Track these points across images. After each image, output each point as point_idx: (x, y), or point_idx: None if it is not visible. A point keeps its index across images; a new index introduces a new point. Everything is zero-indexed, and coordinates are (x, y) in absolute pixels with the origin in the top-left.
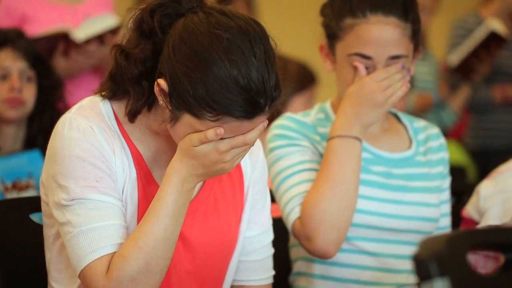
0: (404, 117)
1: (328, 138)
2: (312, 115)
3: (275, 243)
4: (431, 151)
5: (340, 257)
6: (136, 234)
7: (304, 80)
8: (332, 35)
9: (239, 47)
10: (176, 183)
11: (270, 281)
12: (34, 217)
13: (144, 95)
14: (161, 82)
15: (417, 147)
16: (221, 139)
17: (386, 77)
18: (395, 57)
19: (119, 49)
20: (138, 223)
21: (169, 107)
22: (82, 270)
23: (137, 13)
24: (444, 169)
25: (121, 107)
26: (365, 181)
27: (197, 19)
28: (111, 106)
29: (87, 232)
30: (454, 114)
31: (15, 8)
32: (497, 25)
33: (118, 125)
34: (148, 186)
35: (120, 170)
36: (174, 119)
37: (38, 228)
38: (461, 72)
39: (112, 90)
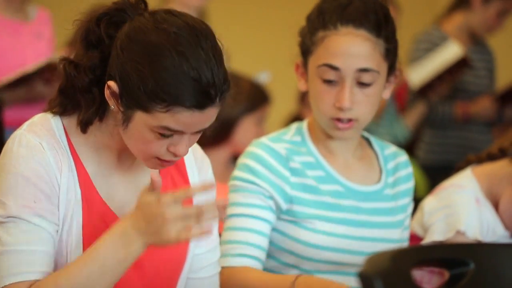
0: (376, 143)
1: None
2: (288, 137)
3: None
4: (399, 182)
5: None
6: (61, 272)
7: (256, 99)
8: (306, 50)
9: (186, 40)
10: (115, 233)
11: None
12: None
13: (95, 103)
14: (111, 83)
15: (386, 179)
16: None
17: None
18: (364, 70)
19: (67, 61)
20: (83, 242)
21: (121, 109)
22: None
23: (83, 25)
24: (409, 199)
25: (71, 122)
26: (333, 218)
27: (143, 18)
28: (62, 122)
29: (12, 253)
30: (407, 130)
31: None
32: (460, 49)
33: (68, 142)
34: (93, 206)
35: (65, 189)
36: (127, 121)
37: None
38: (422, 94)
39: (63, 105)
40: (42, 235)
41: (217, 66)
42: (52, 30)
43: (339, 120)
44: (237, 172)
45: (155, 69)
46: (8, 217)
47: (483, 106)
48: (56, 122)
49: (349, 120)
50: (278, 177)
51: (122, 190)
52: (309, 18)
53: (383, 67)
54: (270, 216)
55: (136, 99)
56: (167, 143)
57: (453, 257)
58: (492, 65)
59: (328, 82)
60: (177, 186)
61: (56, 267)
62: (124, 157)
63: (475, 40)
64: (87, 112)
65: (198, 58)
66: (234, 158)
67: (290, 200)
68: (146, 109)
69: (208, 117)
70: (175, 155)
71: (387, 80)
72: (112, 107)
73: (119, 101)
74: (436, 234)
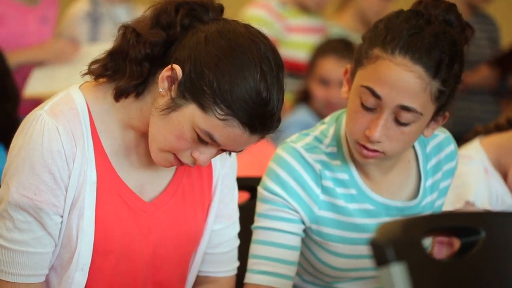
0: (417, 140)
1: None
2: (324, 146)
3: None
4: (441, 180)
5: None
6: None
7: None
8: (358, 60)
9: (271, 64)
10: None
11: (235, 272)
12: None
13: (140, 77)
14: (177, 67)
15: (424, 185)
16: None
17: None
18: (405, 108)
19: (130, 28)
20: (95, 224)
21: (173, 95)
22: None
23: (161, 4)
24: (445, 195)
25: (97, 95)
26: (357, 240)
27: (235, 22)
28: (85, 100)
29: (8, 251)
30: None
31: None
32: None
33: (90, 120)
34: (110, 186)
35: (77, 174)
36: (172, 108)
37: None
38: None
39: (105, 68)
40: (38, 234)
41: (281, 102)
42: (57, 11)
43: (364, 147)
44: (266, 180)
45: (235, 74)
46: (8, 202)
47: (482, 76)
48: (79, 99)
49: (375, 151)
50: (308, 195)
51: (139, 171)
52: (376, 25)
53: (429, 109)
54: (298, 227)
55: (201, 92)
56: (194, 147)
57: (464, 225)
58: (495, 35)
59: (366, 108)
60: (200, 167)
61: (66, 249)
62: (146, 140)
63: (474, 11)
64: (129, 82)
65: (273, 85)
66: None
67: (315, 220)
68: (204, 107)
69: (247, 143)
70: (194, 162)
71: (434, 119)
72: (161, 89)
73: (176, 87)
74: (444, 205)
